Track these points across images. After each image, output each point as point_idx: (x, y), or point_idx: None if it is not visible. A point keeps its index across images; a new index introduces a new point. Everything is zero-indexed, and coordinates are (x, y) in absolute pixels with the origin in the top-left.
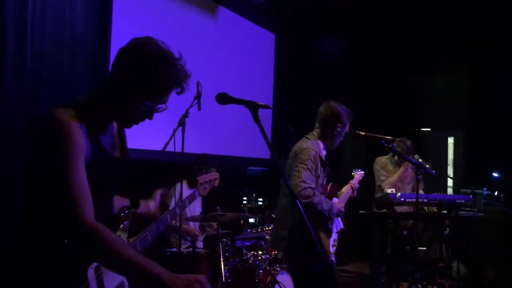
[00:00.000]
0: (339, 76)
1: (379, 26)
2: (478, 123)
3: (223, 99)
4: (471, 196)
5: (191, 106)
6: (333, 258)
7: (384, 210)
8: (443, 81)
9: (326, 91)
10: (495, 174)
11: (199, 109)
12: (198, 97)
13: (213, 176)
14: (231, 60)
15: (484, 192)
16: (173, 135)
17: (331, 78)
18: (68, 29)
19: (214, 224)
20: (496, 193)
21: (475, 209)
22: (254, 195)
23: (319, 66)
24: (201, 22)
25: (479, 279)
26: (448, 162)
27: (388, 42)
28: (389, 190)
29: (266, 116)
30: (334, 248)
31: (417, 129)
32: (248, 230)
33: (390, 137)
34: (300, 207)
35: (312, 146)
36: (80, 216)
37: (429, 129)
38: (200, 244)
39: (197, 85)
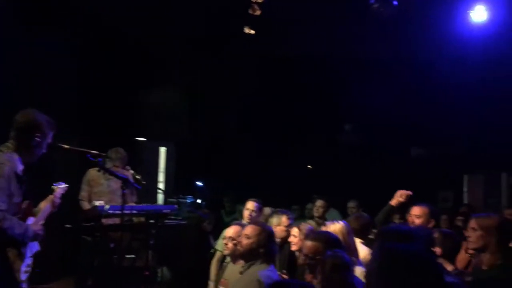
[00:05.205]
0: (57, 80)
1: (105, 31)
2: (189, 136)
3: None
4: (176, 205)
5: None
6: (25, 286)
7: (93, 223)
8: (162, 95)
9: (39, 97)
10: (199, 183)
11: None
12: None
13: None
14: None
15: (188, 200)
16: None
17: (48, 81)
18: None
19: None
20: (200, 201)
21: (179, 217)
22: None
23: (36, 65)
24: None
25: (181, 281)
26: (160, 171)
27: (113, 49)
28: (97, 203)
29: None
30: (27, 274)
31: (133, 139)
32: None
33: (96, 152)
34: None
35: (7, 160)
36: None
37: (145, 139)
38: None
39: None
